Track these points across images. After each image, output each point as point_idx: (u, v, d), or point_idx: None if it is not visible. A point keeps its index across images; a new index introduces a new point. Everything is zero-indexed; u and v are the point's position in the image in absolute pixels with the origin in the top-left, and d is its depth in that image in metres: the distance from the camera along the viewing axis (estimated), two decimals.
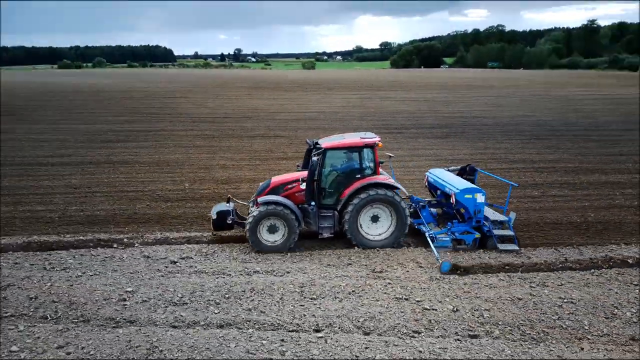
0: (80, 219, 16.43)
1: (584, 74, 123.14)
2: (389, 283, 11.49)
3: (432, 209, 15.56)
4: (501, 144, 30.46)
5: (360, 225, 13.93)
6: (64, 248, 13.81)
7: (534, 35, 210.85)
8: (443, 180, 15.27)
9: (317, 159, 13.71)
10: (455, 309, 10.24)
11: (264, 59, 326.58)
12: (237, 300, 10.68)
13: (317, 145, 14.36)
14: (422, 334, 9.44)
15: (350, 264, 12.76)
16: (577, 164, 24.46)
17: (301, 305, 10.43)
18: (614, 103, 53.42)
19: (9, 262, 12.84)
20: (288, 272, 12.18)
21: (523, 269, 12.36)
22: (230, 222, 14.32)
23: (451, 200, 14.31)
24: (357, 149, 14.25)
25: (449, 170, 16.45)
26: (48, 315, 10.08)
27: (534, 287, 11.32)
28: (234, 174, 22.78)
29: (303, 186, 14.02)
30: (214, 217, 14.28)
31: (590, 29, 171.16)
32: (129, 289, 11.08)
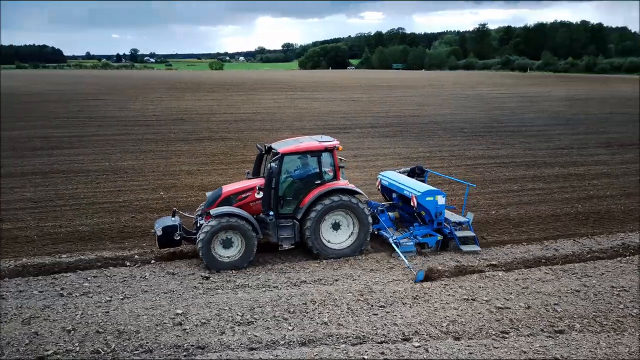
0: (65, 236, 14.68)
1: (482, 74, 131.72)
2: (445, 285, 11.34)
3: (389, 213, 15.06)
4: (448, 141, 31.53)
5: (322, 233, 13.10)
6: (69, 270, 12.23)
7: (429, 38, 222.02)
8: (400, 183, 14.81)
9: (275, 165, 12.69)
10: (527, 306, 10.30)
11: (163, 60, 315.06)
12: (304, 314, 10.00)
13: (273, 150, 13.34)
14: (511, 333, 9.39)
15: (392, 268, 12.47)
16: (532, 158, 25.87)
17: (374, 314, 9.98)
18: (525, 100, 57.48)
19: (11, 289, 11.16)
20: (337, 280, 11.64)
21: (557, 262, 12.74)
22: (178, 237, 12.77)
23: (412, 204, 13.94)
24: (316, 153, 13.25)
25: (400, 172, 16.08)
26: (100, 349, 8.81)
27: (581, 278, 11.71)
28: (206, 179, 21.56)
29: (258, 195, 13.01)
30: (159, 233, 12.62)
31: (482, 32, 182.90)
32: (179, 311, 9.99)
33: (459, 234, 13.82)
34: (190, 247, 13.44)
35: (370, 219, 13.31)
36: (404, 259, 12.58)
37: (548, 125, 38.26)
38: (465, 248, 13.54)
